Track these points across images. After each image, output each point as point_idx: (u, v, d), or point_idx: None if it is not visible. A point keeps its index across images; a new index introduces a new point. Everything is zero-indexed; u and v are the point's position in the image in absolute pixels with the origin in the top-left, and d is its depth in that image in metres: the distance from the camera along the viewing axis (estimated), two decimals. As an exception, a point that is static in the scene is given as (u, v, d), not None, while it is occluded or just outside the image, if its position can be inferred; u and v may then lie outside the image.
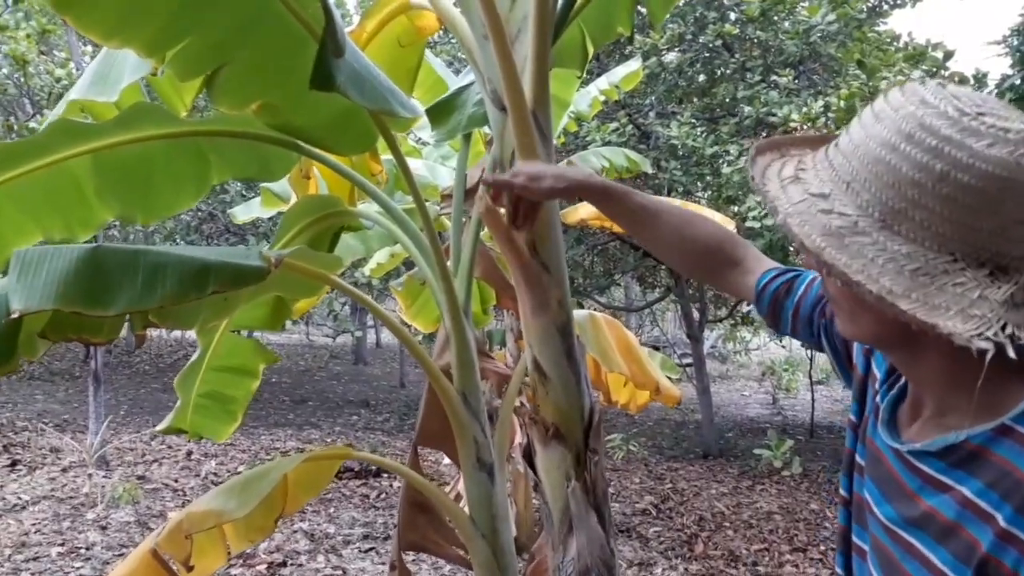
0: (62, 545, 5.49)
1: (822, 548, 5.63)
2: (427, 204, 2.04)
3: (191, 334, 20.76)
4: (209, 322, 1.61)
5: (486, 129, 3.49)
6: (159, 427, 2.48)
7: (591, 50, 1.93)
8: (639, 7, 1.92)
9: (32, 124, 8.21)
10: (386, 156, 2.78)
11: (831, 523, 6.28)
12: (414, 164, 4.22)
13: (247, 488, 1.67)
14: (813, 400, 11.20)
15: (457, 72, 2.84)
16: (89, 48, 11.72)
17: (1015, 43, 5.88)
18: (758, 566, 5.18)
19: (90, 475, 6.94)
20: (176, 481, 7.31)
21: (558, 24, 1.56)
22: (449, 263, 1.90)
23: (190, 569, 1.66)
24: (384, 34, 2.03)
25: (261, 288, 1.48)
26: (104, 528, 5.89)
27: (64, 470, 7.58)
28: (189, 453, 8.71)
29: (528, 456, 1.49)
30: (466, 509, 1.80)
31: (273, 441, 9.69)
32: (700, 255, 1.18)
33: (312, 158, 1.80)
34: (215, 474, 7.71)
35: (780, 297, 1.13)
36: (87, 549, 5.45)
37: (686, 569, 5.08)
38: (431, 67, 2.65)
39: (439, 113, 2.10)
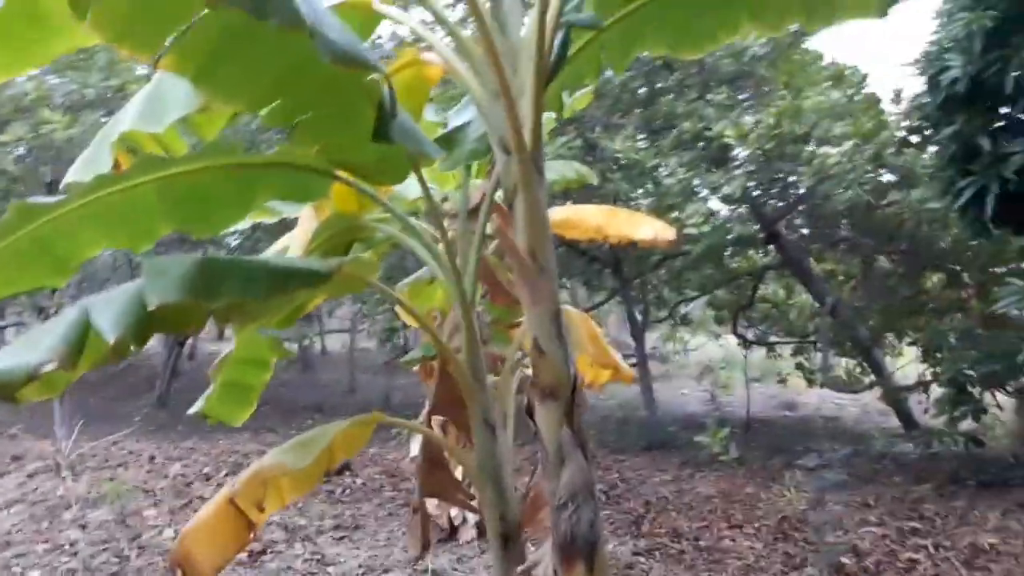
0: (46, 542, 5.74)
1: (756, 525, 6.22)
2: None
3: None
4: (271, 318, 2.03)
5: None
6: (191, 410, 2.88)
7: (566, 99, 2.42)
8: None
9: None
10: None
11: (764, 504, 6.88)
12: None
13: (304, 447, 2.10)
14: (749, 396, 11.91)
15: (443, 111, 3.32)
16: None
17: (926, 66, 6.56)
18: (699, 540, 5.74)
19: (63, 477, 7.16)
20: (146, 483, 7.56)
21: (546, 85, 2.03)
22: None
23: (262, 510, 2.08)
24: (398, 79, 2.48)
25: (322, 290, 1.92)
26: (83, 527, 6.15)
27: (30, 475, 7.76)
28: (152, 458, 8.92)
29: (529, 412, 1.97)
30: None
31: (233, 445, 9.90)
32: None
33: (347, 184, 2.24)
34: (182, 475, 7.98)
35: None
36: (71, 545, 5.71)
37: (635, 544, 5.62)
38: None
39: (444, 147, 2.55)
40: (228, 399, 3.03)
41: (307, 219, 3.03)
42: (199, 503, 6.94)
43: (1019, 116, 6.03)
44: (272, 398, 14.73)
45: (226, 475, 7.98)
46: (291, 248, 3.10)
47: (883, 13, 2.25)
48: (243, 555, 5.45)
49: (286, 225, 5.95)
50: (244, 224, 4.61)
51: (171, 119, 2.40)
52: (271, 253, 3.68)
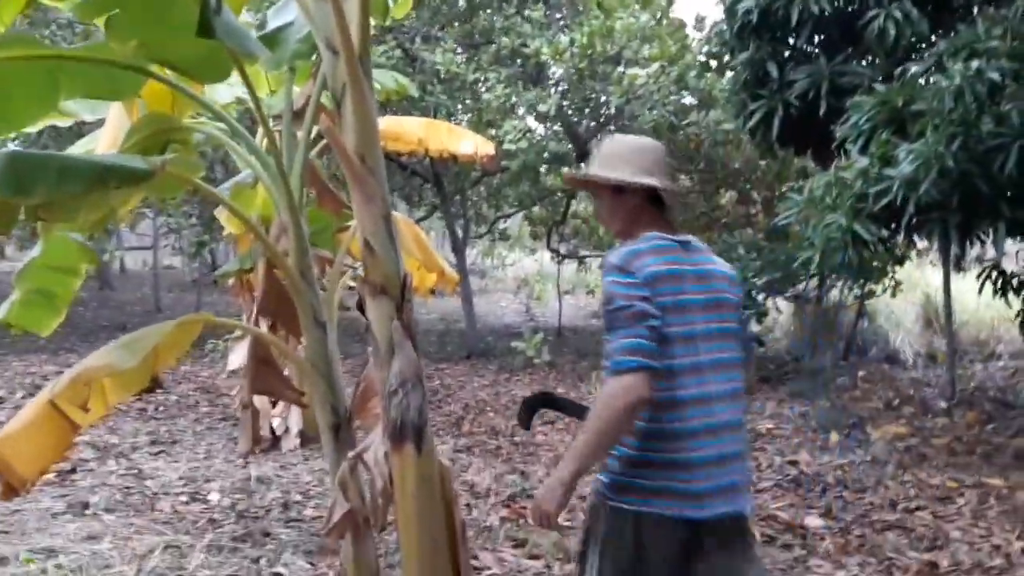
0: None
1: (565, 421, 6.71)
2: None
3: None
4: (88, 219, 1.97)
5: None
6: (-7, 318, 2.71)
7: (391, 4, 2.45)
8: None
9: None
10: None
11: (573, 403, 7.42)
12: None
13: (128, 348, 2.08)
14: (560, 307, 12.58)
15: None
16: None
17: (724, -3, 6.97)
18: (515, 437, 6.15)
19: None
20: (-74, 408, 6.94)
21: (372, -12, 2.06)
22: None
23: (87, 411, 2.05)
24: (214, -24, 2.39)
25: (143, 188, 1.89)
26: None
27: None
28: (-67, 382, 8.17)
29: (360, 307, 2.07)
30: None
31: (27, 367, 9.21)
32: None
33: (162, 81, 2.16)
34: (-28, 400, 7.40)
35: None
36: None
37: (456, 443, 5.93)
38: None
39: (268, 46, 2.50)
40: (34, 306, 2.88)
41: (116, 119, 2.87)
42: (-7, 427, 6.49)
43: (803, 47, 6.63)
44: (67, 317, 13.74)
45: (23, 398, 7.48)
46: (98, 149, 2.94)
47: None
48: (51, 475, 5.21)
49: (79, 132, 5.49)
50: (31, 127, 4.28)
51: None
52: (70, 157, 3.45)
